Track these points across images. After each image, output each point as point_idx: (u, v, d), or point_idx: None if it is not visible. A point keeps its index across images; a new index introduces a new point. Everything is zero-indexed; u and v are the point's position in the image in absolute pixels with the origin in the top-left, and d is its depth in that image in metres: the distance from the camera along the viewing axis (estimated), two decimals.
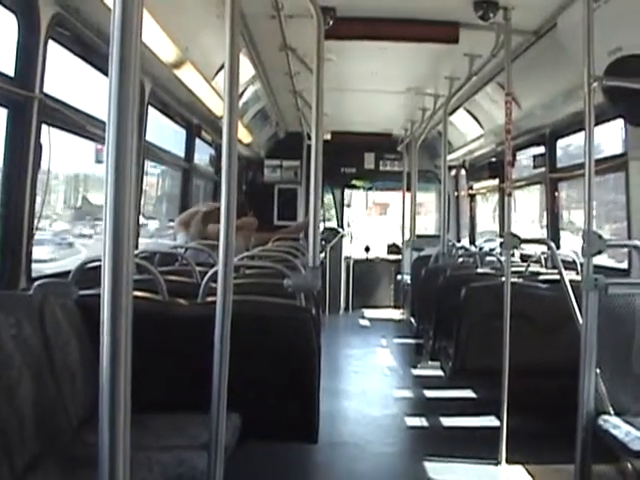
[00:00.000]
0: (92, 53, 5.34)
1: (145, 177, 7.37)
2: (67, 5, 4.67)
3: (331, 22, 6.28)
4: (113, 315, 1.78)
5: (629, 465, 4.73)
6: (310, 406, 4.78)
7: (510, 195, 5.94)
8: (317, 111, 4.96)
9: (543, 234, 9.78)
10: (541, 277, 7.43)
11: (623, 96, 4.80)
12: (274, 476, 5.41)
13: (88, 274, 4.57)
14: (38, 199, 4.67)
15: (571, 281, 5.30)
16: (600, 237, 4.44)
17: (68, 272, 4.71)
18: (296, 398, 4.71)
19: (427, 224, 16.51)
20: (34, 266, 4.79)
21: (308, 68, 6.88)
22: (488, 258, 9.46)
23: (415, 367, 9.46)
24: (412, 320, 10.91)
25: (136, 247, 6.70)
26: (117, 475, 1.80)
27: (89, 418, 3.88)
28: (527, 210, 11.96)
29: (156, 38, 5.38)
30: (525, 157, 10.21)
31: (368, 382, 8.98)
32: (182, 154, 8.98)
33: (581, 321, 4.67)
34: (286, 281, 4.90)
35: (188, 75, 6.58)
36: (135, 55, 1.77)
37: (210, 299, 4.52)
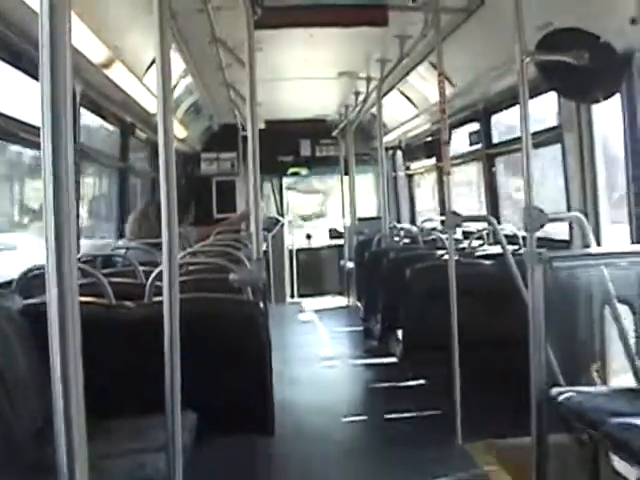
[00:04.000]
0: (19, 57, 5.22)
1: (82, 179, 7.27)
2: None
3: (259, 12, 6.24)
4: (61, 322, 1.76)
5: (584, 434, 4.79)
6: (264, 399, 4.76)
7: (449, 174, 5.96)
8: (251, 102, 4.94)
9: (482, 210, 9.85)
10: (484, 253, 7.48)
11: (555, 70, 4.83)
12: (233, 470, 5.39)
13: (31, 282, 4.51)
14: None
15: (513, 254, 5.35)
16: (541, 211, 4.47)
17: (10, 282, 4.65)
18: (250, 392, 4.68)
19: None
20: None
21: (239, 60, 6.83)
22: (430, 237, 9.49)
23: (365, 352, 9.47)
24: (359, 305, 10.94)
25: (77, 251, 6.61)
26: None
27: (43, 427, 3.82)
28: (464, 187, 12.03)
29: (84, 39, 5.29)
30: (461, 135, 10.24)
31: (318, 370, 8.98)
32: (117, 154, 8.87)
33: (526, 295, 4.70)
34: (232, 276, 4.87)
35: (119, 74, 6.50)
36: (65, 60, 1.74)
37: (157, 299, 4.47)
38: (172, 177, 3.15)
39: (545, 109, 6.88)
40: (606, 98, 4.86)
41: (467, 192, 11.85)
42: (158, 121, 3.16)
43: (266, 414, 4.78)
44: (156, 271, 4.67)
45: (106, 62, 6.07)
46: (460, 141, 10.17)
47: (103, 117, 8.01)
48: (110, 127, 8.52)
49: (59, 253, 1.75)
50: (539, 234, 4.65)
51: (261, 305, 5.06)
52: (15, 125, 5.23)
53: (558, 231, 6.60)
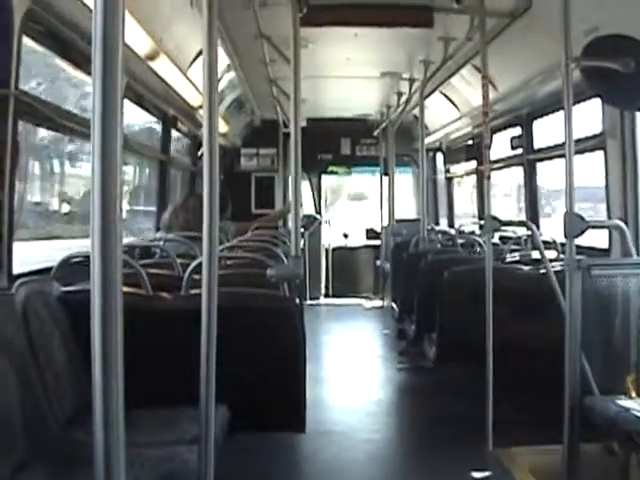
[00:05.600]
0: (68, 48, 5.26)
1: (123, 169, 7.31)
2: (40, 0, 4.60)
3: (305, 9, 6.24)
4: (103, 311, 1.78)
5: (616, 444, 4.76)
6: (297, 396, 4.77)
7: (489, 178, 5.92)
8: (295, 99, 4.95)
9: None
10: (522, 259, 7.45)
11: (600, 76, 4.81)
12: (263, 467, 5.40)
13: (68, 270, 4.54)
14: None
15: (551, 261, 5.31)
16: (582, 218, 4.45)
17: (49, 269, 4.68)
18: (283, 388, 4.69)
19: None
20: None
21: (283, 56, 6.85)
22: (468, 241, 9.44)
23: (398, 353, 9.45)
24: (394, 306, 10.92)
25: None
26: (113, 473, 1.80)
27: (76, 416, 3.85)
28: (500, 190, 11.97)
29: (131, 31, 5.33)
30: (502, 138, 10.18)
31: (351, 369, 8.98)
32: (158, 145, 8.91)
33: (564, 302, 4.68)
34: (269, 271, 4.88)
35: (163, 67, 6.53)
36: (118, 54, 1.76)
37: (194, 292, 4.49)
38: (215, 171, 3.18)
39: (586, 116, 6.83)
40: None
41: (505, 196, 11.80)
42: (203, 115, 3.19)
43: (298, 411, 4.79)
44: (194, 264, 4.69)
45: (151, 54, 6.10)
46: (501, 145, 10.11)
47: (146, 109, 8.06)
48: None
49: (105, 242, 1.77)
50: (578, 242, 4.63)
51: (297, 302, 5.08)
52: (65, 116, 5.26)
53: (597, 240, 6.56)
